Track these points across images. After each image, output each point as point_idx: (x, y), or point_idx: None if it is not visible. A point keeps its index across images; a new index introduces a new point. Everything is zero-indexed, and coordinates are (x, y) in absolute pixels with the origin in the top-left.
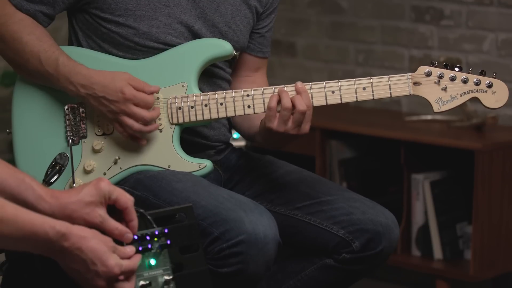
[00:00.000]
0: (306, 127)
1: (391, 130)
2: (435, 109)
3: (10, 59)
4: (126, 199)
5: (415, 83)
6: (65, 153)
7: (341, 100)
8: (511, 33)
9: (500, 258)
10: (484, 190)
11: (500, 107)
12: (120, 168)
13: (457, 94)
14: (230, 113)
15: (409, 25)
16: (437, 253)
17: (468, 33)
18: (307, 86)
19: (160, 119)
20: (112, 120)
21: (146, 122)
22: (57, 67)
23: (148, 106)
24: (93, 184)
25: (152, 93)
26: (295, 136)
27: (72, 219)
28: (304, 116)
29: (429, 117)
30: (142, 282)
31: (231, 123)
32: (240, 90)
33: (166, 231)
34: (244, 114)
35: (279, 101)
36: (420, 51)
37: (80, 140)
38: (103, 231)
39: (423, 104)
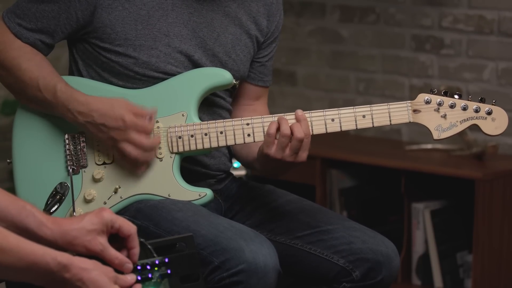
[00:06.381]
0: (303, 155)
1: (391, 159)
2: (435, 136)
3: (10, 86)
4: (129, 226)
5: (414, 111)
6: (65, 183)
7: (340, 128)
8: (511, 62)
9: (501, 287)
10: (485, 219)
11: (499, 134)
12: (121, 197)
13: (457, 121)
14: (230, 142)
15: (409, 54)
16: (438, 282)
17: (468, 62)
18: (307, 114)
19: (160, 148)
20: (111, 147)
21: (145, 149)
22: (55, 94)
23: (147, 133)
24: (96, 213)
25: (150, 116)
26: (292, 164)
27: (73, 245)
28: (301, 144)
29: (429, 146)
30: None
31: (231, 152)
32: (240, 118)
33: (166, 260)
34: (244, 142)
35: (278, 128)
36: (420, 80)
37: (81, 169)
38: (103, 259)
39: (423, 133)
